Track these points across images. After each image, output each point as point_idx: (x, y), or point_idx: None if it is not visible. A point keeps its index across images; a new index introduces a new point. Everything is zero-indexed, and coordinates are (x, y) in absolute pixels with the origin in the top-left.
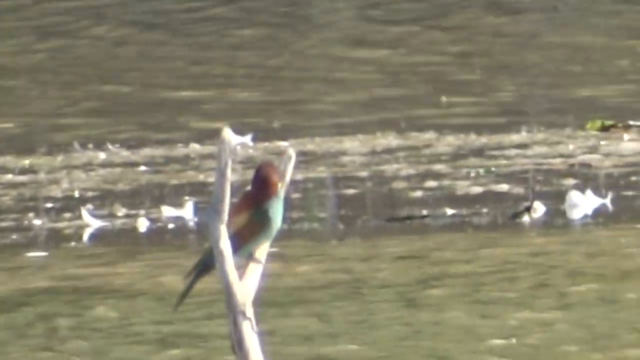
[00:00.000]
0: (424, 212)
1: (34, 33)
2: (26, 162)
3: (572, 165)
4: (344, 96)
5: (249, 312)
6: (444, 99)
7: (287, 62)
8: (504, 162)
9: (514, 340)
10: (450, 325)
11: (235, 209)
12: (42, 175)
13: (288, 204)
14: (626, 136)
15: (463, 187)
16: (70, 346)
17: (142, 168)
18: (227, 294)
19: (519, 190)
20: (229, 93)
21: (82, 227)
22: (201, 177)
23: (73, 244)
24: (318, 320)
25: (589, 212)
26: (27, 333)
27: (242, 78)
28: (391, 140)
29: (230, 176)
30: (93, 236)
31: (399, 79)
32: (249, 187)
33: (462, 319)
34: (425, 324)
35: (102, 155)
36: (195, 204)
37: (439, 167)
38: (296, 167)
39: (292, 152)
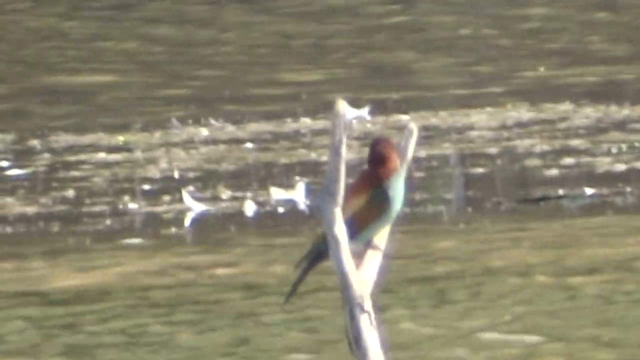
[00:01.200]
0: (561, 192)
1: None
2: (120, 138)
3: None
4: (469, 64)
5: (368, 305)
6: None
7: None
8: None
9: None
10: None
11: (351, 190)
12: (137, 154)
13: (410, 184)
14: None
15: (604, 164)
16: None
17: (249, 145)
18: (343, 285)
19: None
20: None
21: (183, 212)
22: (313, 155)
23: (173, 230)
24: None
25: None
26: (124, 328)
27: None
28: (523, 112)
29: (345, 154)
30: (195, 221)
31: (524, 42)
32: (365, 166)
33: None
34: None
35: (203, 132)
36: (307, 186)
37: (576, 142)
38: (418, 143)
39: (413, 127)
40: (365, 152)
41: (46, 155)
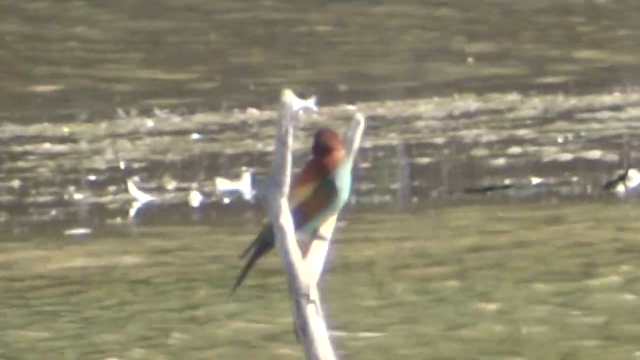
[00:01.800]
0: (507, 181)
1: None
2: (65, 129)
3: None
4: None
5: (314, 294)
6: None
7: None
8: (595, 125)
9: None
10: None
11: (297, 181)
12: (83, 145)
13: (356, 175)
14: None
15: (550, 154)
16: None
17: (195, 136)
18: (289, 275)
19: (612, 157)
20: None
21: (129, 202)
22: (259, 145)
23: (118, 220)
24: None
25: None
26: (68, 318)
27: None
28: (470, 103)
29: (291, 144)
30: (140, 211)
31: (477, 31)
32: (311, 157)
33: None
34: (507, 305)
35: (149, 123)
36: (253, 176)
37: (523, 132)
38: (365, 133)
39: (360, 117)
40: (311, 142)
41: None
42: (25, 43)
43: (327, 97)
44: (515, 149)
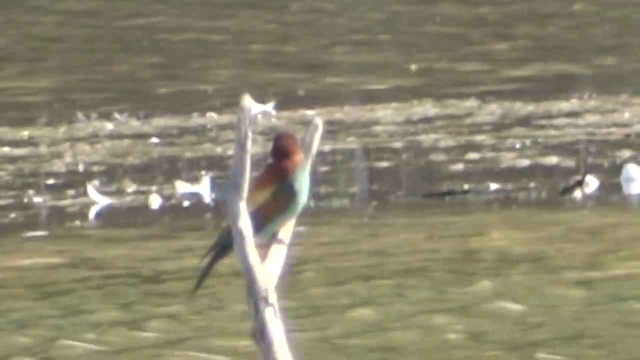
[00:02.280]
0: (465, 187)
1: None
2: (25, 133)
3: (628, 136)
4: (374, 58)
5: (272, 298)
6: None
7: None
8: (552, 132)
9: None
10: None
11: (256, 184)
12: (43, 148)
13: (314, 178)
14: None
15: (508, 159)
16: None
17: (154, 140)
18: (248, 278)
19: (569, 163)
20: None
21: (88, 205)
22: (219, 149)
23: (77, 223)
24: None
25: None
26: (19, 319)
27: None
28: (428, 108)
29: (250, 148)
30: (100, 214)
31: (437, 41)
32: (270, 160)
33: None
34: (463, 308)
35: (109, 126)
36: (213, 179)
37: (481, 137)
38: (323, 137)
39: (318, 122)
40: (270, 146)
41: None
42: None
43: (286, 101)
44: (473, 155)
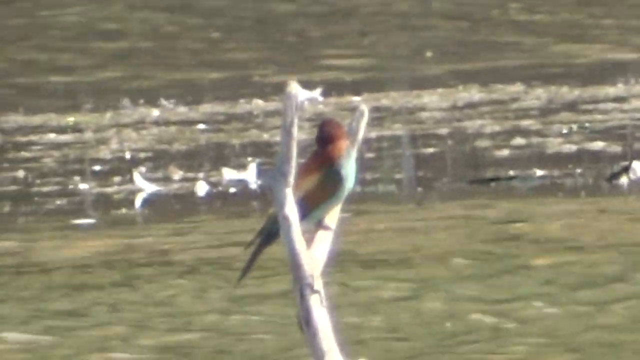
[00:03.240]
0: (511, 173)
1: None
2: (70, 119)
3: None
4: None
5: (318, 284)
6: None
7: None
8: (599, 117)
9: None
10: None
11: (302, 170)
12: (88, 135)
13: (361, 165)
14: None
15: (554, 145)
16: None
17: (201, 126)
18: (293, 264)
19: (616, 148)
20: (297, 46)
21: (134, 192)
22: (265, 136)
23: (124, 210)
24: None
25: None
26: (69, 308)
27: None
28: (474, 93)
29: (296, 135)
30: (146, 202)
31: (479, 25)
32: (316, 147)
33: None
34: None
35: (155, 112)
36: (259, 166)
37: (527, 123)
38: (369, 124)
39: (364, 108)
40: (316, 133)
41: None
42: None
43: (333, 88)
44: (519, 140)
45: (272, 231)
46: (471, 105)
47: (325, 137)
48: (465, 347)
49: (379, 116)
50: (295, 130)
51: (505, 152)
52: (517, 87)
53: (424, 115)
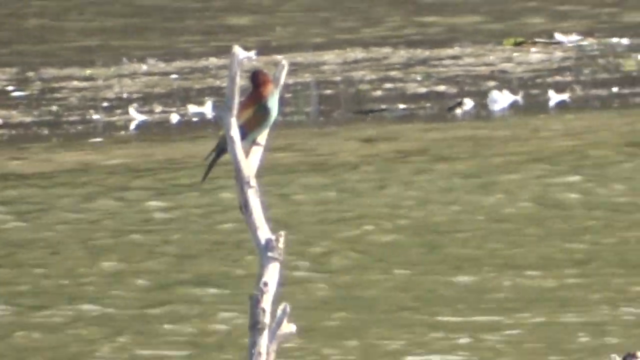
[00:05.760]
0: (383, 106)
1: None
2: (87, 72)
3: (492, 72)
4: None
5: (253, 182)
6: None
7: None
8: (442, 69)
9: None
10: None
11: (242, 105)
12: (99, 82)
13: (282, 102)
14: (533, 49)
15: (412, 88)
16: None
17: (174, 76)
18: (236, 169)
19: (453, 90)
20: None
21: (130, 121)
22: (217, 82)
23: (122, 133)
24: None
25: (506, 106)
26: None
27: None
28: (358, 53)
29: (238, 82)
30: (137, 127)
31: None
32: (250, 89)
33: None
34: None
35: (144, 67)
36: (213, 103)
37: (394, 73)
38: (288, 74)
39: (285, 63)
40: (250, 79)
41: (37, 82)
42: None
43: (264, 49)
44: (388, 84)
45: (223, 147)
46: (356, 61)
47: (257, 82)
48: None
49: (295, 69)
50: (237, 79)
51: (379, 93)
52: (387, 49)
53: (325, 67)
